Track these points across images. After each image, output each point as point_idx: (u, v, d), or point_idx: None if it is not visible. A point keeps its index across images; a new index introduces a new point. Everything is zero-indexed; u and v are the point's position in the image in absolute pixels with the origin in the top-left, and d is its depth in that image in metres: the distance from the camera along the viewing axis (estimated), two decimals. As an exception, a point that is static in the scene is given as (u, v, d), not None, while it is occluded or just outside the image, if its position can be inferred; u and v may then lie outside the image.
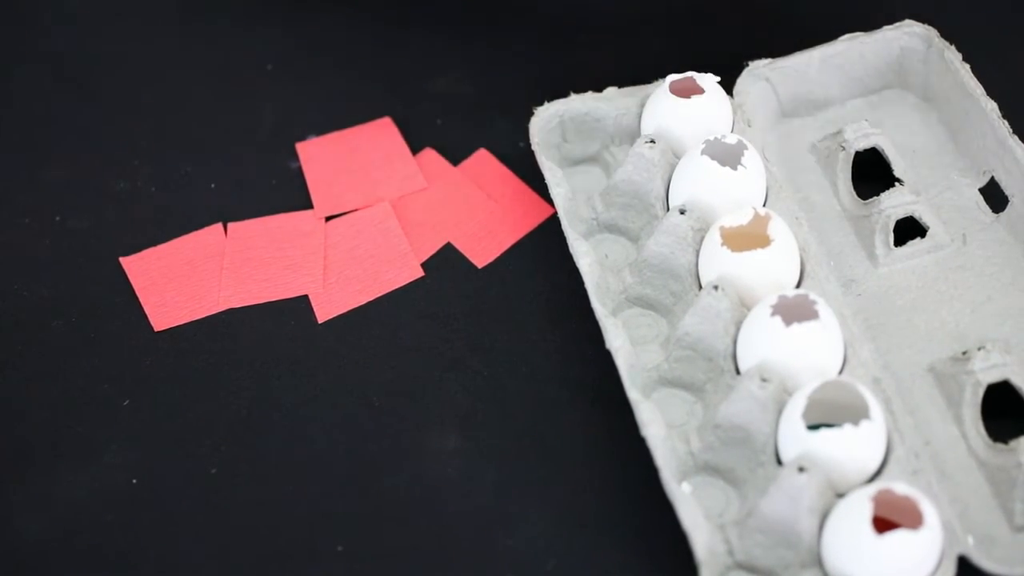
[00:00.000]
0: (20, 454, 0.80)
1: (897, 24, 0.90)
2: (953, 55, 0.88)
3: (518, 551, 0.76)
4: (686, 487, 0.75)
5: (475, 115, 0.86)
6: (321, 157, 0.92)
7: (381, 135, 0.92)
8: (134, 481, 0.79)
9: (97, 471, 0.79)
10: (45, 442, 0.81)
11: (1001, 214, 0.85)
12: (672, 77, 0.85)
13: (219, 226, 0.88)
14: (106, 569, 0.76)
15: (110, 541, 0.77)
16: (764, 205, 0.83)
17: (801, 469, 0.71)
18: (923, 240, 0.84)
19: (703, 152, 0.81)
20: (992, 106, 0.85)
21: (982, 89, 0.86)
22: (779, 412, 0.75)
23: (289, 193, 0.90)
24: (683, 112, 0.85)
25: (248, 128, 0.94)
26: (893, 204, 0.84)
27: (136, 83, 0.97)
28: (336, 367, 0.83)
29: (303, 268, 0.86)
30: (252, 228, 0.88)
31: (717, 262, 0.79)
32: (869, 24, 0.90)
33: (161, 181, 0.92)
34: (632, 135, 0.88)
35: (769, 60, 0.89)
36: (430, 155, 0.92)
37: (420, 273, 0.86)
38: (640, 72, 0.90)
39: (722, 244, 0.79)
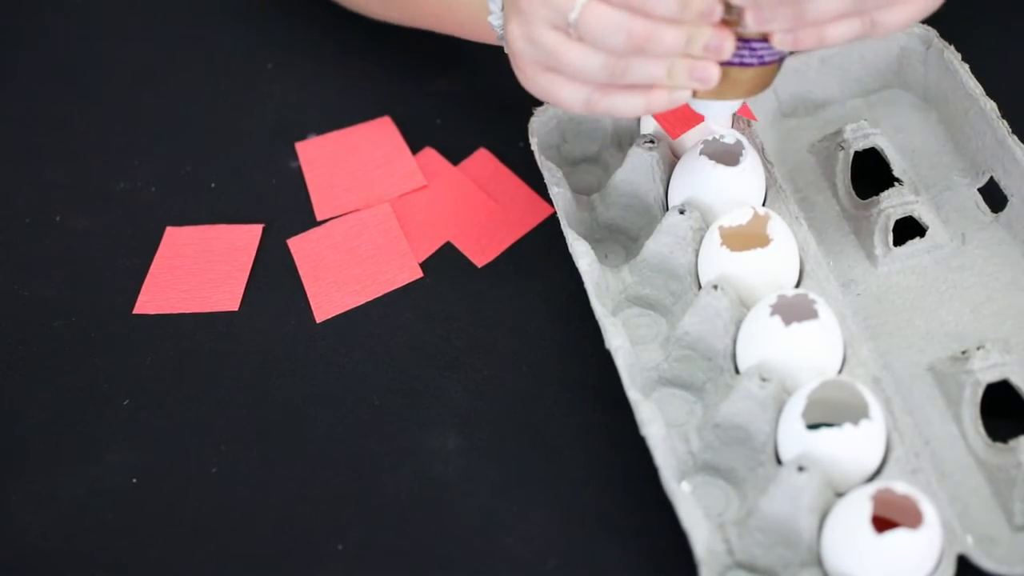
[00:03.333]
0: (20, 454, 0.80)
1: (896, 24, 0.90)
2: (952, 55, 0.88)
3: (518, 551, 0.76)
4: (686, 486, 0.75)
5: (475, 115, 0.86)
6: (320, 157, 0.92)
7: (380, 134, 0.92)
8: (134, 481, 0.79)
9: (97, 471, 0.79)
10: (45, 442, 0.81)
11: (1000, 214, 0.85)
12: None
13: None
14: (106, 569, 0.76)
15: (110, 541, 0.77)
16: (763, 205, 0.83)
17: (801, 468, 0.71)
18: (922, 240, 0.84)
19: (702, 152, 0.81)
20: (991, 106, 0.85)
21: (981, 89, 0.86)
22: (779, 411, 0.75)
23: (289, 192, 0.90)
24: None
25: (248, 128, 0.94)
26: (892, 204, 0.84)
27: (136, 83, 0.97)
28: (336, 367, 0.83)
29: (225, 285, 0.86)
30: (188, 236, 0.88)
31: (716, 262, 0.79)
32: (868, 24, 0.90)
33: (161, 181, 0.92)
34: (631, 135, 0.88)
35: (769, 60, 0.89)
36: (430, 154, 0.92)
37: (419, 274, 0.86)
38: (640, 72, 0.90)
39: (721, 244, 0.79)
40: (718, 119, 0.80)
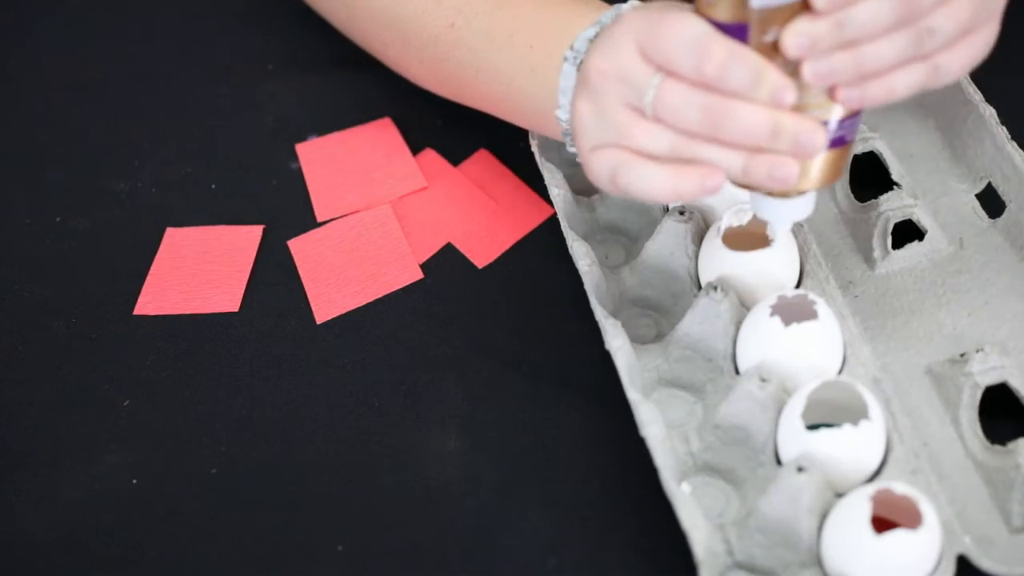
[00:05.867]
0: (20, 454, 0.80)
1: (896, 27, 0.90)
2: (951, 59, 0.88)
3: (518, 551, 0.76)
4: (686, 487, 0.76)
5: (475, 115, 0.86)
6: (321, 158, 0.92)
7: (381, 135, 0.92)
8: (134, 481, 0.79)
9: (97, 471, 0.79)
10: (45, 442, 0.81)
11: (998, 219, 0.85)
12: None
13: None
14: (106, 569, 0.76)
15: (110, 541, 0.77)
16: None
17: (800, 469, 0.71)
18: (921, 243, 0.84)
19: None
20: (990, 112, 0.86)
21: (980, 95, 0.86)
22: (779, 412, 0.75)
23: (289, 193, 0.90)
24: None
25: (248, 129, 0.94)
26: (891, 207, 0.84)
27: (136, 83, 0.97)
28: (336, 367, 0.83)
29: (225, 286, 0.86)
30: (188, 236, 0.88)
31: (717, 262, 0.79)
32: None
33: (161, 181, 0.92)
34: (631, 137, 0.88)
35: (768, 63, 0.89)
36: (430, 155, 0.92)
37: (419, 275, 0.86)
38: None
39: (722, 245, 0.79)
40: (783, 221, 0.72)
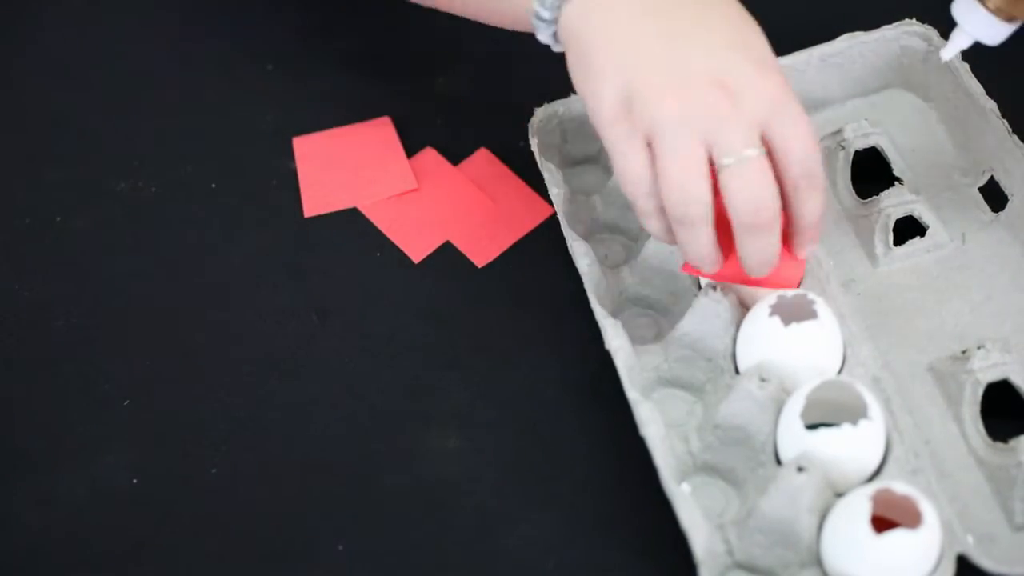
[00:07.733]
0: (20, 454, 0.80)
1: (897, 23, 0.90)
2: (953, 54, 0.88)
3: (518, 551, 0.76)
4: (685, 487, 0.75)
5: (475, 115, 0.86)
6: (316, 153, 0.92)
7: (377, 134, 0.92)
8: (134, 481, 0.79)
9: (97, 471, 0.79)
10: (45, 442, 0.81)
11: (1001, 213, 0.85)
12: None
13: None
14: (106, 569, 0.76)
15: (110, 541, 0.77)
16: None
17: (800, 469, 0.71)
18: (922, 239, 0.84)
19: (702, 152, 0.81)
20: (991, 105, 0.85)
21: (982, 88, 0.86)
22: (778, 412, 0.75)
23: (289, 193, 0.90)
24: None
25: (248, 128, 0.94)
26: (892, 203, 0.84)
27: (136, 83, 0.97)
28: (336, 367, 0.83)
29: (391, 170, 0.89)
30: (318, 141, 0.91)
31: (716, 262, 0.79)
32: (869, 23, 0.90)
33: (161, 181, 0.92)
34: (632, 135, 0.88)
35: (768, 59, 0.89)
36: (430, 154, 0.92)
37: (414, 184, 0.88)
38: (640, 71, 0.89)
39: (721, 244, 0.79)
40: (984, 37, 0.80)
